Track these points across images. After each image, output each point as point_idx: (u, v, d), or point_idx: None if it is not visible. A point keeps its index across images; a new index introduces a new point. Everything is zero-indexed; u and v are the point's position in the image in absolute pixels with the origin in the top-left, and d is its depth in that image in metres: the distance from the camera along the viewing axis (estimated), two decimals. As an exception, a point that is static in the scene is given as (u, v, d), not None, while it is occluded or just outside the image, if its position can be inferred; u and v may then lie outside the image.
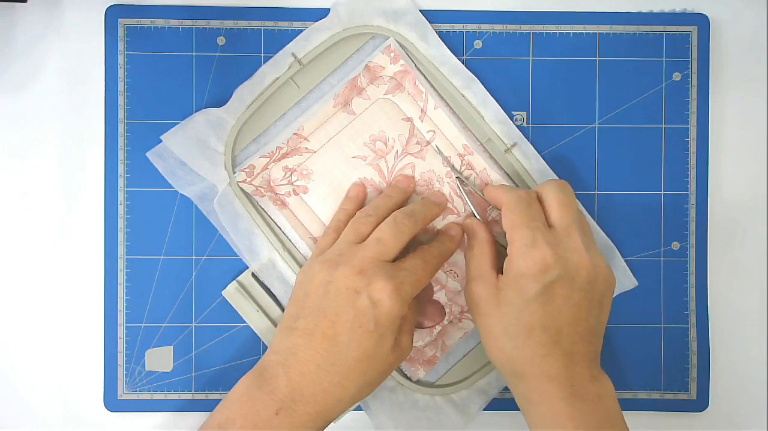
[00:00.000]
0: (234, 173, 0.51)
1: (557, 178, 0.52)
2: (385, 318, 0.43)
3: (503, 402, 0.52)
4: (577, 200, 0.48)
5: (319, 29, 0.51)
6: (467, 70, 0.52)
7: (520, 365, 0.44)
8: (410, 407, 0.51)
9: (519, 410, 0.53)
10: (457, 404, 0.52)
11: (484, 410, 0.52)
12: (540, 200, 0.46)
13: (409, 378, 0.52)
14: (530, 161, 0.52)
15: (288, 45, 0.52)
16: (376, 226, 0.46)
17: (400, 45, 0.51)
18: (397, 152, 0.51)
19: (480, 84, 0.52)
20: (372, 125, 0.51)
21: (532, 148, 0.52)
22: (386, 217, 0.47)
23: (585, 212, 0.52)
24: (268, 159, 0.51)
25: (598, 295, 0.45)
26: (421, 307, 0.50)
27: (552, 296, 0.43)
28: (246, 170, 0.51)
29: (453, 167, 0.51)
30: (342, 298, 0.43)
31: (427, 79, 0.51)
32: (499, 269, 0.46)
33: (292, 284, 0.51)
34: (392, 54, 0.51)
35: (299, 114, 0.51)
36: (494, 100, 0.52)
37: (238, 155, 0.52)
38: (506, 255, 0.45)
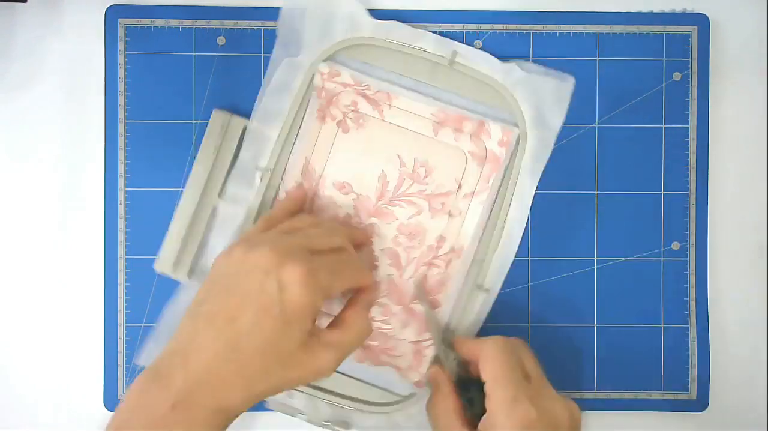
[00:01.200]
0: None
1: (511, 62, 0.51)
2: (293, 305, 0.39)
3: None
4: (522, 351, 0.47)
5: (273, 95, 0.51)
6: (382, 21, 0.51)
7: None
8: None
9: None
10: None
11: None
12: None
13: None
14: (478, 61, 0.51)
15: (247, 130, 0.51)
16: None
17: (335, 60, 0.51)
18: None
19: (402, 25, 0.51)
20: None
21: (474, 49, 0.51)
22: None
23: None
24: None
25: None
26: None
27: None
28: None
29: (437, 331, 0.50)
30: (251, 278, 0.39)
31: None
32: (469, 422, 0.45)
33: None
34: (325, 76, 0.51)
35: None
36: (427, 32, 0.51)
37: None
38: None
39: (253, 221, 0.51)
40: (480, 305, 0.51)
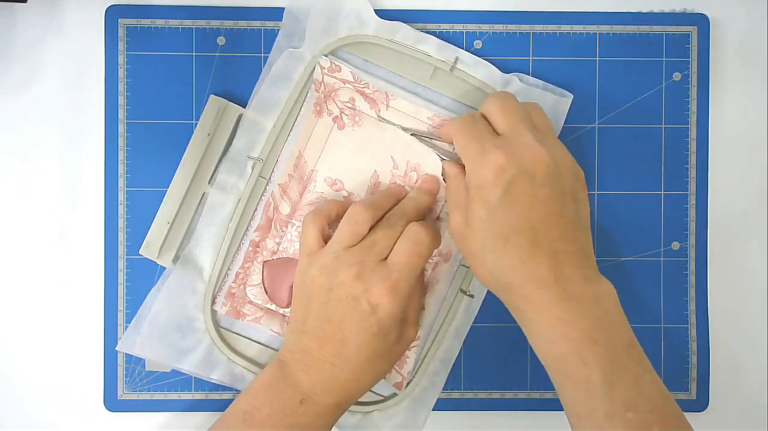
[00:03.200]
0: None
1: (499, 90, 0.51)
2: (386, 319, 0.45)
3: (508, 403, 0.52)
4: (530, 104, 0.47)
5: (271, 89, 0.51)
6: (387, 21, 0.51)
7: (504, 276, 0.43)
8: None
9: (522, 411, 0.53)
10: (443, 358, 0.52)
11: (487, 410, 0.52)
12: (486, 117, 0.46)
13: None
14: (479, 69, 0.51)
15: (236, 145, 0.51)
16: (372, 225, 0.46)
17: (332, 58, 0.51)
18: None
19: (406, 26, 0.51)
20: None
21: (476, 57, 0.51)
22: (380, 215, 0.47)
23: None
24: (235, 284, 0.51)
25: (568, 188, 0.43)
26: None
27: (516, 197, 0.42)
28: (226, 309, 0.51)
29: (404, 129, 0.50)
30: (344, 305, 0.45)
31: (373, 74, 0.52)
32: None
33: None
34: (325, 70, 0.51)
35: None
36: (431, 36, 0.51)
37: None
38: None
39: (240, 210, 0.51)
40: (465, 310, 0.51)
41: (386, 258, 0.46)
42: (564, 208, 0.43)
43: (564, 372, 0.42)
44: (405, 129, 0.50)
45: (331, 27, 0.51)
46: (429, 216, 0.50)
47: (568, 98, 0.51)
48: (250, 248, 0.51)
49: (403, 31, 0.51)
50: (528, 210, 0.42)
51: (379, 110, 0.51)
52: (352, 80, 0.51)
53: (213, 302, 0.51)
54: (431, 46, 0.51)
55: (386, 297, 0.44)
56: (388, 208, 0.48)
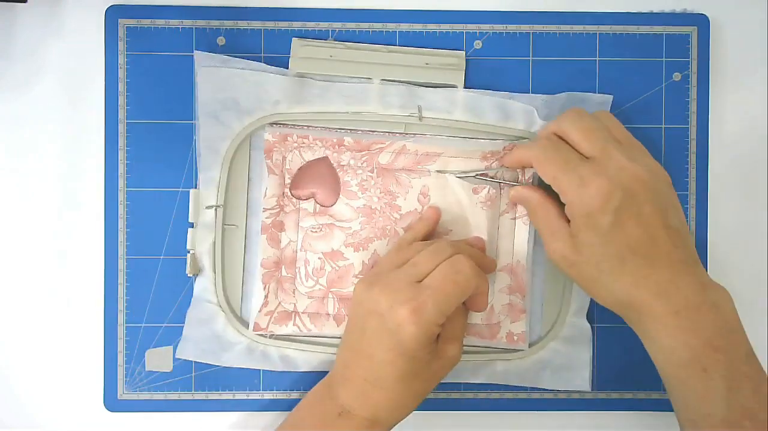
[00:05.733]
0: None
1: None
2: (409, 342, 0.43)
3: (507, 403, 0.52)
4: (601, 114, 0.47)
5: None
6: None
7: (625, 294, 0.44)
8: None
9: (522, 411, 0.53)
10: (568, 336, 0.52)
11: (487, 411, 0.52)
12: (563, 138, 0.46)
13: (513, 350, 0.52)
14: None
15: (192, 198, 0.51)
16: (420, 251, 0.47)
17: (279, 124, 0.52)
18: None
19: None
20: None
21: (434, 92, 0.51)
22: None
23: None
24: (263, 308, 0.52)
25: (667, 198, 0.44)
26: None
27: (625, 219, 0.43)
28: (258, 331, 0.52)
29: (463, 173, 0.51)
30: (372, 320, 0.45)
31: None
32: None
33: None
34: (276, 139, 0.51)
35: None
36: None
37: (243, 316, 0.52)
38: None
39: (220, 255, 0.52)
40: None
41: (422, 280, 0.45)
42: (668, 218, 0.44)
43: (683, 380, 0.43)
44: (464, 174, 0.51)
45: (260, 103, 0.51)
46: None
47: (609, 98, 0.52)
48: (264, 270, 0.51)
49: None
50: (638, 229, 0.43)
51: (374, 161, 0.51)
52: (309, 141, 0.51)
53: (250, 326, 0.52)
54: (390, 103, 0.52)
55: (408, 319, 0.43)
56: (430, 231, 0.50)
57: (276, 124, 0.51)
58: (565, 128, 0.45)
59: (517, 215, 0.52)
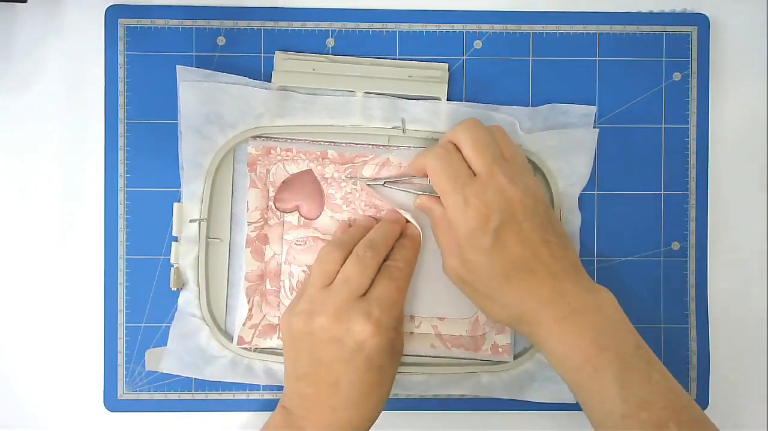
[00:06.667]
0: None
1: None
2: (375, 354, 0.45)
3: (516, 403, 0.52)
4: (495, 129, 0.48)
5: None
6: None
7: (514, 308, 0.45)
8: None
9: (522, 411, 0.53)
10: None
11: (494, 410, 0.52)
12: (458, 147, 0.47)
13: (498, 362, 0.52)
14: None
15: (175, 212, 0.51)
16: (342, 262, 0.47)
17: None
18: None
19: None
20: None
21: (417, 104, 0.51)
22: (350, 250, 0.47)
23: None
24: (247, 321, 0.51)
25: (542, 214, 0.46)
26: None
27: (505, 238, 0.45)
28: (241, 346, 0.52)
29: (373, 180, 0.51)
30: (329, 348, 0.45)
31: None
32: None
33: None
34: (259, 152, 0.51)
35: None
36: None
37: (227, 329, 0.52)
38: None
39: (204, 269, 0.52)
40: None
41: (365, 294, 0.46)
42: (546, 232, 0.46)
43: (580, 383, 0.43)
44: (373, 182, 0.51)
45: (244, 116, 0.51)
46: (403, 241, 0.50)
47: (593, 110, 0.52)
48: (248, 283, 0.51)
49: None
50: (519, 246, 0.45)
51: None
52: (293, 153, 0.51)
53: (234, 340, 0.52)
54: (374, 115, 0.52)
55: (370, 334, 0.44)
56: (358, 241, 0.48)
57: (259, 137, 0.52)
58: (460, 139, 0.47)
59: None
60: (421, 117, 0.51)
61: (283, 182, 0.52)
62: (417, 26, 0.52)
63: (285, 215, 0.52)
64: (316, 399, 0.46)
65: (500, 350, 0.52)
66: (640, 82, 0.53)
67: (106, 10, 0.52)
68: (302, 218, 0.52)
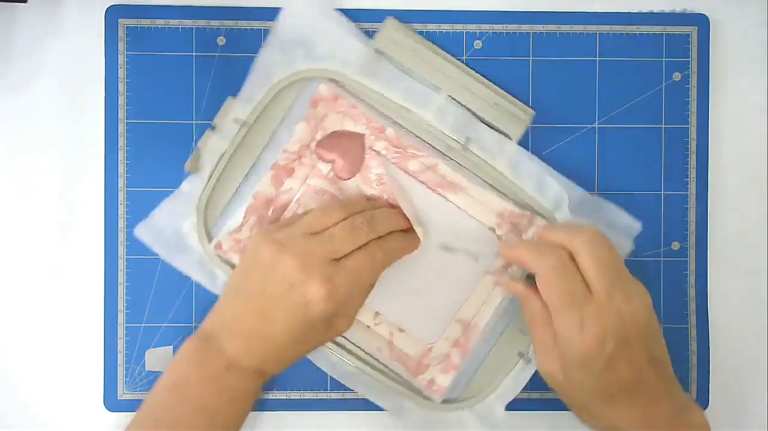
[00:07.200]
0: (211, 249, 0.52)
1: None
2: (316, 315, 0.45)
3: (521, 403, 0.52)
4: (608, 240, 0.46)
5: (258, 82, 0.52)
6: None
7: (611, 423, 0.46)
8: (439, 425, 0.52)
9: (521, 411, 0.53)
10: (481, 414, 0.52)
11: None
12: (572, 255, 0.45)
13: (428, 398, 0.52)
14: (491, 148, 0.51)
15: (226, 105, 0.51)
16: (339, 222, 0.47)
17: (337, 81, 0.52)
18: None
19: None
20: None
21: (489, 133, 0.51)
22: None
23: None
24: (235, 233, 0.51)
25: (653, 335, 0.45)
26: None
27: (617, 361, 0.44)
28: (218, 249, 0.51)
29: (454, 251, 0.51)
30: (280, 287, 0.45)
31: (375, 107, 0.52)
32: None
33: None
34: (324, 95, 0.51)
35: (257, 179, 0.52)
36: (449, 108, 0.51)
37: (212, 230, 0.52)
38: None
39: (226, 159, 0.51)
40: (515, 376, 0.52)
41: (339, 259, 0.46)
42: (652, 351, 0.45)
43: None
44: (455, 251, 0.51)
45: (334, 55, 0.51)
46: (400, 236, 0.50)
47: (638, 225, 0.52)
48: (253, 201, 0.51)
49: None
50: (628, 370, 0.44)
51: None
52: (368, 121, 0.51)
53: (212, 241, 0.51)
54: (445, 122, 0.51)
55: (321, 297, 0.44)
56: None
57: (335, 80, 0.52)
58: (580, 251, 0.44)
59: (497, 282, 0.51)
60: (486, 146, 0.51)
61: (333, 132, 0.52)
62: (417, 26, 0.52)
63: (319, 162, 0.51)
64: (245, 323, 0.46)
65: (434, 388, 0.51)
66: (640, 82, 0.53)
67: (106, 11, 0.52)
68: (332, 173, 0.51)
